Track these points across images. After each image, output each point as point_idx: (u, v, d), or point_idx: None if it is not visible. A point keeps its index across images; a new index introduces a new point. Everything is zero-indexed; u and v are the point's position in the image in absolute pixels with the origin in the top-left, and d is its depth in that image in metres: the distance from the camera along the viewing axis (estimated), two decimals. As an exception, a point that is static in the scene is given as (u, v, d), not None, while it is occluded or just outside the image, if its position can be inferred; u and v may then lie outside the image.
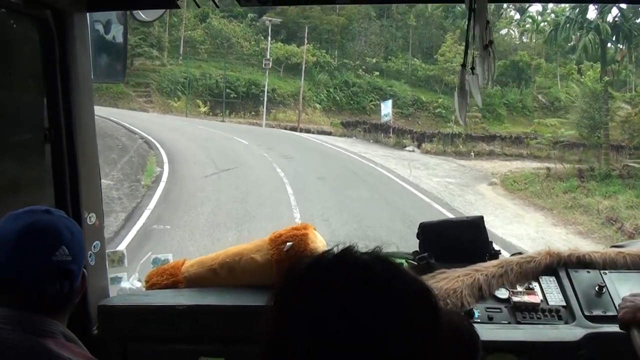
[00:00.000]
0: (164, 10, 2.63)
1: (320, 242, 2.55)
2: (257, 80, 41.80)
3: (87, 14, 2.33)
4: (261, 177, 17.59)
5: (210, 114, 39.53)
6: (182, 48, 43.30)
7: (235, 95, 41.17)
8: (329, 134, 37.60)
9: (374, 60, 47.35)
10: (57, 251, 1.43)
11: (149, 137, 22.72)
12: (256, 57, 44.16)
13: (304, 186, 16.62)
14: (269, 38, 41.68)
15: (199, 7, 2.60)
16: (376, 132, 34.39)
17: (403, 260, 2.61)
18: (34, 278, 1.41)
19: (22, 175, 2.33)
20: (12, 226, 1.43)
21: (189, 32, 43.61)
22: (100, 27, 2.60)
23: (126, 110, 33.46)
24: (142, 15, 2.46)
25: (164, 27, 41.09)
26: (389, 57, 48.45)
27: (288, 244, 2.48)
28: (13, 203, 2.20)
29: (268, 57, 40.58)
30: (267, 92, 39.69)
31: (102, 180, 2.55)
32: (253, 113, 40.87)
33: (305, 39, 43.61)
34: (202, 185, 15.72)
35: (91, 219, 2.32)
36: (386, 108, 36.63)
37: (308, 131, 37.78)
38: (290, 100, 42.64)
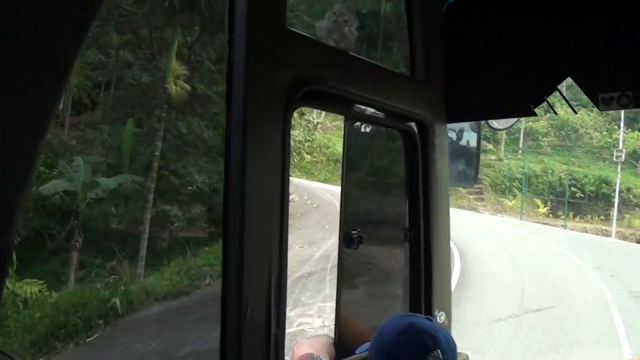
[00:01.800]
0: (517, 118, 3.01)
1: None
2: (608, 177, 39.02)
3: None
4: (588, 336, 11.41)
5: (550, 215, 38.22)
6: (521, 141, 43.80)
7: (582, 195, 39.08)
8: None
9: None
10: (433, 352, 1.74)
11: (454, 247, 20.13)
12: (608, 149, 41.45)
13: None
14: (622, 125, 38.92)
15: (556, 113, 2.89)
16: None
17: None
18: None
19: (385, 269, 2.89)
20: (397, 323, 1.85)
21: (530, 123, 43.96)
22: (453, 135, 3.15)
23: (453, 208, 33.83)
24: (495, 124, 2.89)
25: (501, 120, 42.44)
26: None
27: None
28: (378, 293, 2.77)
29: (620, 147, 37.69)
30: (620, 191, 36.60)
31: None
32: (602, 217, 37.89)
33: (674, 127, 39.32)
34: (481, 340, 10.67)
35: (441, 317, 2.73)
36: None
37: (676, 247, 32.67)
38: (651, 203, 38.38)
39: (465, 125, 3.13)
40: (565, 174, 39.79)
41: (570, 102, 3.23)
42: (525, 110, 2.71)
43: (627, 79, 2.49)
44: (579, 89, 2.61)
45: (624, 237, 32.06)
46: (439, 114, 2.79)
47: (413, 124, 2.71)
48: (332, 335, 2.42)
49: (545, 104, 2.77)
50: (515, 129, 43.39)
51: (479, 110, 2.89)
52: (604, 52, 2.53)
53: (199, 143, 16.87)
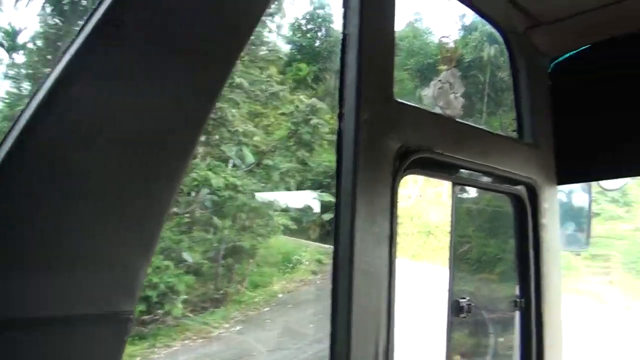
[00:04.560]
0: (629, 178, 3.62)
1: None
2: None
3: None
4: None
5: None
6: None
7: None
8: None
9: None
10: None
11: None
12: None
13: None
14: None
15: (670, 171, 3.50)
16: None
17: None
18: None
19: (494, 340, 3.49)
20: None
21: None
22: (562, 196, 3.78)
23: (568, 295, 29.17)
24: (606, 185, 3.53)
25: (636, 177, 41.20)
26: None
27: None
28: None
29: None
30: None
31: None
32: None
33: None
34: None
35: None
36: None
37: None
38: None
39: (576, 186, 3.77)
40: None
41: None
42: (639, 169, 3.32)
43: None
44: None
45: None
46: (549, 177, 3.45)
47: (522, 188, 3.36)
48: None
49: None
50: (660, 189, 41.94)
51: (590, 171, 3.53)
52: None
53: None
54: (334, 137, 2.52)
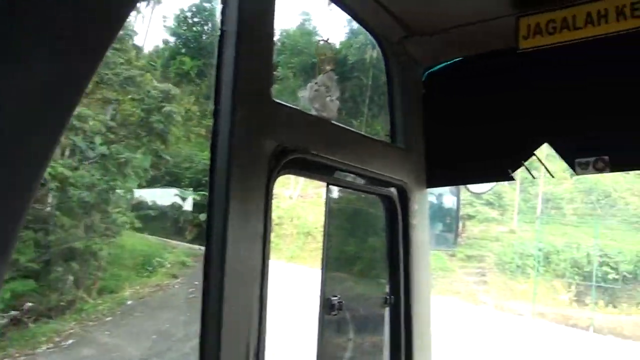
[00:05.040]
0: (495, 183, 3.90)
1: None
2: (650, 253, 39.69)
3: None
4: None
5: (575, 303, 37.99)
6: (539, 208, 43.94)
7: (616, 277, 39.43)
8: None
9: None
10: None
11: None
12: (649, 218, 42.33)
13: None
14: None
15: (534, 177, 3.78)
16: None
17: None
18: None
19: (365, 335, 3.66)
20: None
21: (552, 186, 44.31)
22: (432, 198, 4.02)
23: (443, 296, 27.99)
24: (474, 188, 3.78)
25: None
26: None
27: None
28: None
29: (662, 217, 38.60)
30: (667, 271, 37.30)
31: None
32: (643, 304, 38.28)
33: None
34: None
35: None
36: None
37: None
38: None
39: (445, 189, 4.03)
40: (594, 250, 39.80)
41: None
42: (504, 175, 3.59)
43: (602, 143, 3.38)
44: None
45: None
46: (419, 180, 3.67)
47: (394, 190, 3.55)
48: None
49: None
50: (532, 194, 43.76)
51: (459, 175, 3.79)
52: (578, 119, 3.42)
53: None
54: (202, 130, 2.50)
